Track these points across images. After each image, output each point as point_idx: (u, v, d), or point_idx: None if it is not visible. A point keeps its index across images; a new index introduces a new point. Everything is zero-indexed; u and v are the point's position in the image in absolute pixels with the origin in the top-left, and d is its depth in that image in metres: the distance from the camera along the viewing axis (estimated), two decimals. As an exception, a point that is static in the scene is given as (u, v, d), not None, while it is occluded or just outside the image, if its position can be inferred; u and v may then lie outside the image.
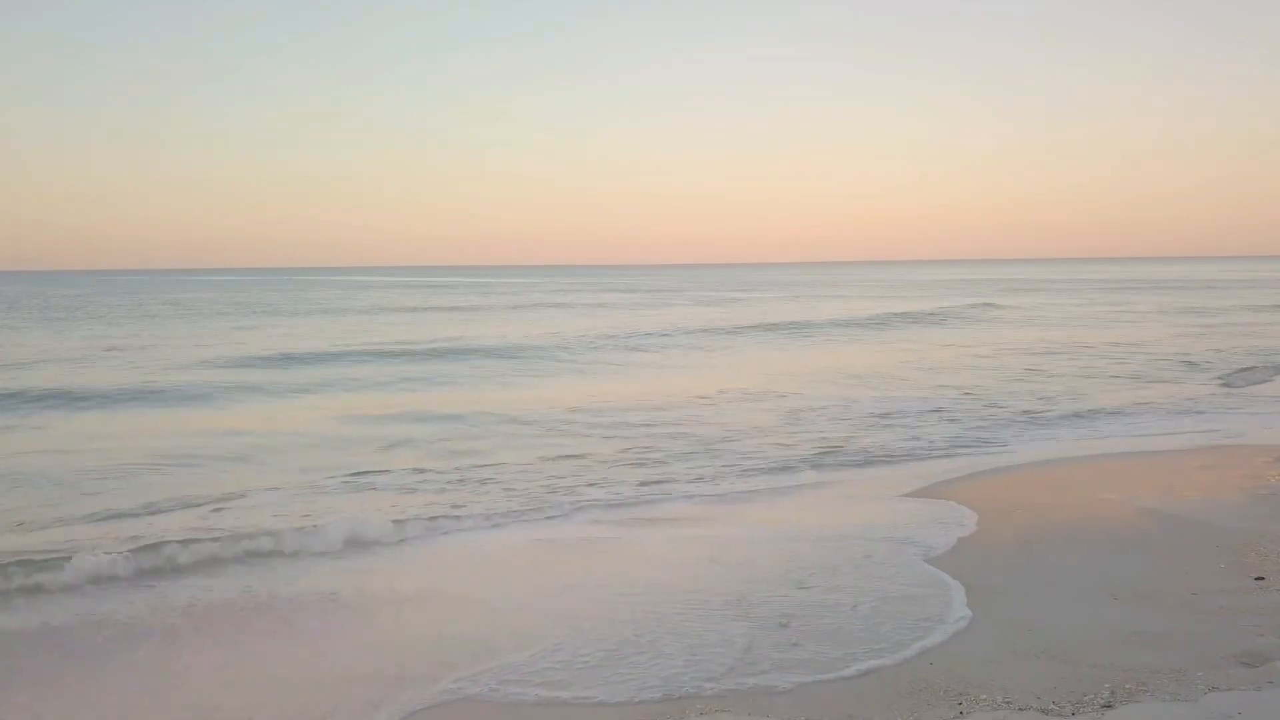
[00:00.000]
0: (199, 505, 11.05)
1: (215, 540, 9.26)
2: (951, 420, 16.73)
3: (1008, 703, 5.68)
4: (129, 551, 8.81)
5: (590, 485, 12.04)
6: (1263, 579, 7.79)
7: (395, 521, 9.97)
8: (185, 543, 9.10)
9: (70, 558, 8.50)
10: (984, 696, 5.78)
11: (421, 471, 12.93)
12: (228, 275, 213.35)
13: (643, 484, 12.08)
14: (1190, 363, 25.76)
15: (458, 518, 10.40)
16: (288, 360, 28.76)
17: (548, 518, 10.57)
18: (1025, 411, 17.61)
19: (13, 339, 38.87)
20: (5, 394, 20.92)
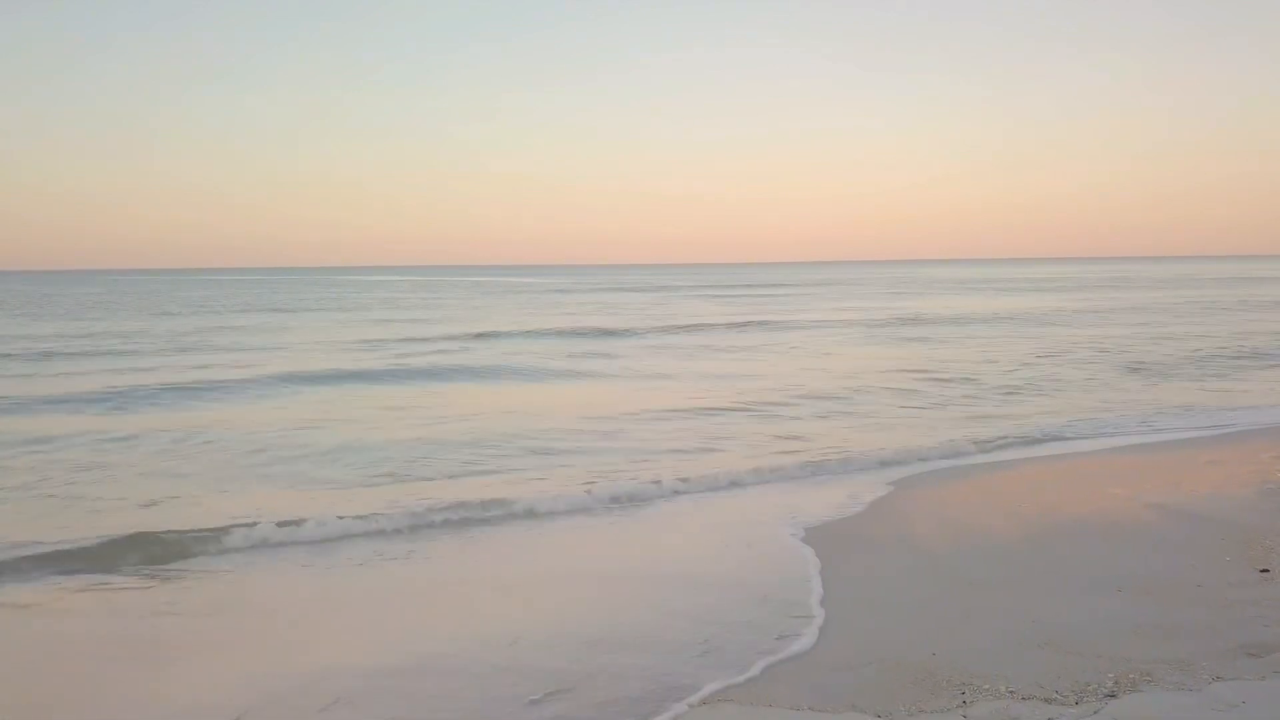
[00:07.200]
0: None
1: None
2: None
3: (1011, 692, 5.64)
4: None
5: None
6: (1268, 571, 7.76)
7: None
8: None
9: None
10: (987, 686, 5.74)
11: None
12: (225, 275, 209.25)
13: None
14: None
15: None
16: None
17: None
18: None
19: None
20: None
